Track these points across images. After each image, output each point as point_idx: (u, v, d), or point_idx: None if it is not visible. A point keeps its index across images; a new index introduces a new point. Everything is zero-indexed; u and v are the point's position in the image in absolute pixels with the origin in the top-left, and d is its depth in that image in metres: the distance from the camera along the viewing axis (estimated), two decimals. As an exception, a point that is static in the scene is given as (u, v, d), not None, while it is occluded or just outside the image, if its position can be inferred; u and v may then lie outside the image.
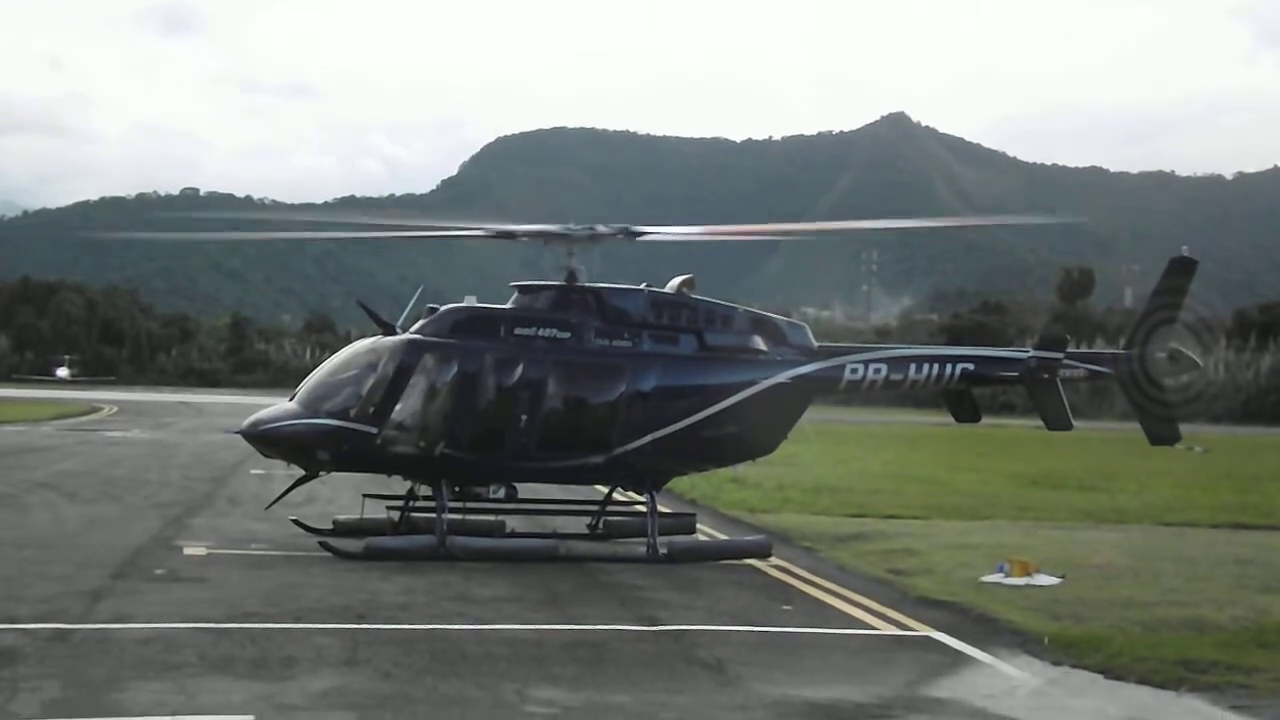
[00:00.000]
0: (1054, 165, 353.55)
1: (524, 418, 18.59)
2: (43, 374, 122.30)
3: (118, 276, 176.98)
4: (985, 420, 24.24)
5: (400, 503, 19.97)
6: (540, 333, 18.94)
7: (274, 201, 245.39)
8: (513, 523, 20.58)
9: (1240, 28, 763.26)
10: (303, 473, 19.35)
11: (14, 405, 66.33)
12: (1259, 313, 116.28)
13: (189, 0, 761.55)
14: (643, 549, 18.94)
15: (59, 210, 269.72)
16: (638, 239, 20.17)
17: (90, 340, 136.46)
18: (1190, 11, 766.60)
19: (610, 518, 20.87)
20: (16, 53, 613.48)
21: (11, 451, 36.94)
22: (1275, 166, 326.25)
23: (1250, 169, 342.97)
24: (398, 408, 18.43)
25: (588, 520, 20.77)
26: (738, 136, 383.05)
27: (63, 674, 11.14)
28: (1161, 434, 21.41)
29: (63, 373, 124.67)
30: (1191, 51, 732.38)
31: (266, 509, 21.25)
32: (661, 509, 20.03)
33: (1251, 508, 29.12)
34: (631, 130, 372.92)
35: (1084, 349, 22.71)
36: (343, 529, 19.79)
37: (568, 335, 19.01)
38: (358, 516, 20.09)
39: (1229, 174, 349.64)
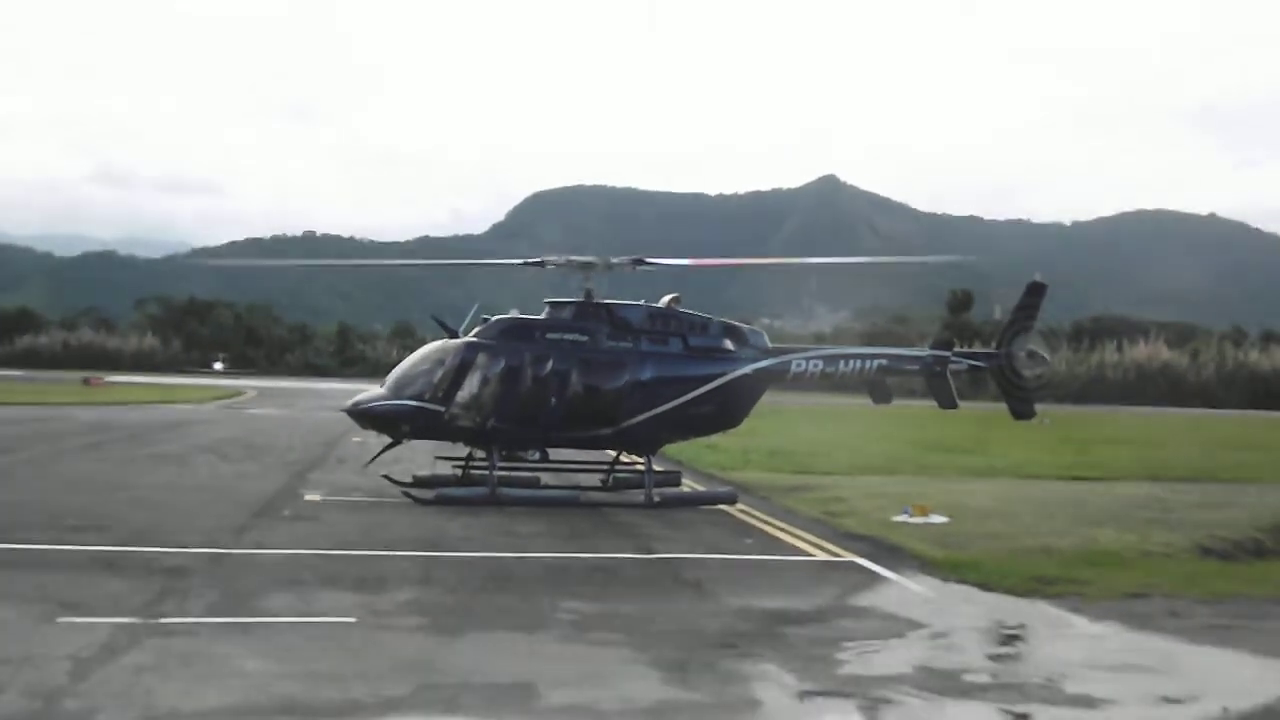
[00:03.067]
0: (944, 214, 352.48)
1: (553, 400, 18.50)
2: (204, 367, 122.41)
3: (257, 297, 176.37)
4: (895, 401, 24.14)
5: (462, 462, 19.91)
6: (565, 337, 18.84)
7: (370, 241, 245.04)
8: (545, 478, 20.51)
9: (1061, 112, 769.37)
10: (390, 440, 19.27)
11: (184, 389, 66.35)
12: (1090, 323, 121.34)
13: (310, 93, 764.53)
14: (641, 497, 18.87)
15: (216, 248, 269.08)
16: (640, 267, 20.05)
17: (238, 343, 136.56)
18: (1030, 95, 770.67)
19: (617, 474, 20.79)
20: (182, 133, 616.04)
21: (182, 423, 36.86)
22: (1098, 217, 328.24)
23: (1082, 218, 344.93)
24: (460, 392, 18.35)
25: (601, 476, 20.69)
26: (712, 191, 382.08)
27: (219, 585, 11.14)
28: (1021, 411, 21.37)
29: (218, 366, 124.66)
30: (1040, 128, 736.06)
31: (364, 467, 21.20)
32: (655, 468, 19.96)
33: (1085, 464, 29.09)
34: (633, 186, 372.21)
35: (966, 349, 22.58)
36: (420, 482, 19.69)
37: (586, 339, 18.91)
38: (431, 473, 20.04)
39: (1068, 221, 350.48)
